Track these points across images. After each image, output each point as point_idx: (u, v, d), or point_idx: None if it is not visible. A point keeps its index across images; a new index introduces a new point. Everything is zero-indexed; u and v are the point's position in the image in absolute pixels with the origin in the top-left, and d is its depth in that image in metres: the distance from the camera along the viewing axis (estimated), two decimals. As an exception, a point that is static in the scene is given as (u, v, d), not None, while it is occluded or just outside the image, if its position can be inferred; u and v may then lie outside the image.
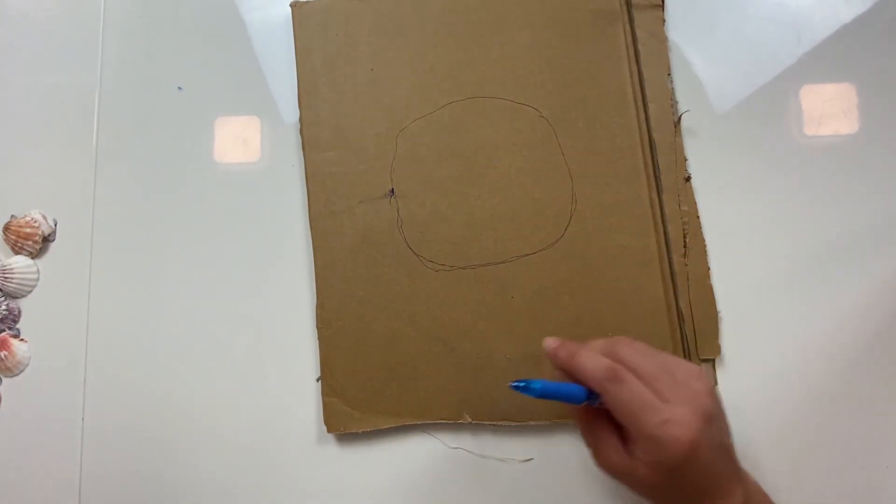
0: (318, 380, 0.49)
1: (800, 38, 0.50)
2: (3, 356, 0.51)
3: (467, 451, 0.47)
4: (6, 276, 0.51)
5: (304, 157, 0.51)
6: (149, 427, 0.50)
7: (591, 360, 0.36)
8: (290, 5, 0.53)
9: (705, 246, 0.47)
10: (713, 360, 0.46)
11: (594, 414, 0.37)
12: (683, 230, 0.47)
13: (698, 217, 0.48)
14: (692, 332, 0.46)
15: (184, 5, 0.55)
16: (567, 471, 0.47)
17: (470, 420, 0.47)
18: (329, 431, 0.47)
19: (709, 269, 0.47)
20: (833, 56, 0.49)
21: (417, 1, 0.51)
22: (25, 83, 0.55)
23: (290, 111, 0.53)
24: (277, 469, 0.49)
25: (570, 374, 0.37)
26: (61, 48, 0.56)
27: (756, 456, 0.45)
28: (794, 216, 0.48)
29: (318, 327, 0.49)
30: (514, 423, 0.46)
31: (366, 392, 0.47)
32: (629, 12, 0.50)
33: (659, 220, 0.47)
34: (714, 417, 0.35)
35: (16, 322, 0.52)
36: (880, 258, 0.47)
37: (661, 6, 0.50)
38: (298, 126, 0.52)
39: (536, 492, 0.47)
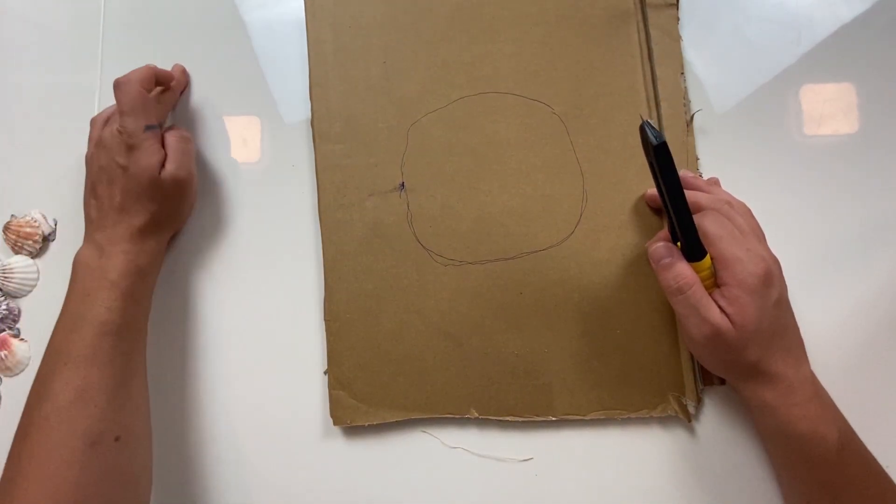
0: (325, 372, 0.49)
1: (800, 38, 0.50)
2: (3, 356, 0.51)
3: (467, 450, 0.47)
4: (6, 276, 0.51)
5: (315, 150, 0.50)
6: (154, 421, 0.50)
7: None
8: None
9: None
10: None
11: (700, 286, 0.40)
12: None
13: None
14: None
15: (184, 5, 0.55)
16: (567, 470, 0.47)
17: (476, 415, 0.47)
18: (335, 424, 0.47)
19: None
20: (833, 56, 0.49)
21: None
22: (25, 83, 0.55)
23: (290, 111, 0.53)
24: (283, 462, 0.48)
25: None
26: (61, 48, 0.56)
27: (758, 456, 0.45)
28: (794, 216, 0.48)
29: (325, 320, 0.49)
30: (520, 419, 0.46)
31: (373, 385, 0.47)
32: (643, 10, 0.50)
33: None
34: (781, 271, 0.41)
35: (16, 322, 0.52)
36: (880, 258, 0.47)
37: (676, 5, 0.50)
38: (299, 126, 0.52)
39: (536, 491, 0.47)
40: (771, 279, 0.39)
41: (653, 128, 0.36)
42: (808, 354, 0.42)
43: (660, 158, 0.36)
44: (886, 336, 0.46)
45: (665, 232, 0.44)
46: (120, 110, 0.46)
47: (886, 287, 0.47)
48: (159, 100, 0.49)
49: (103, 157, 0.46)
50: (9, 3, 0.57)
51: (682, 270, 0.40)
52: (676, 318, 0.42)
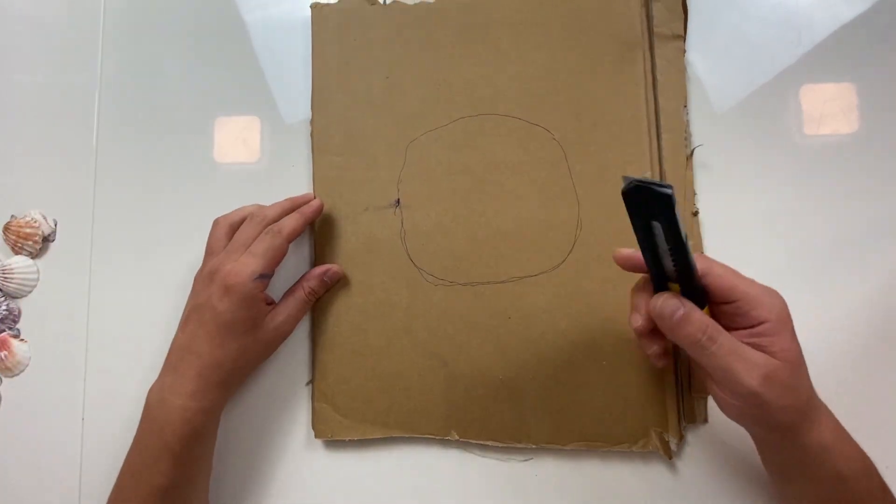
0: (307, 383, 0.49)
1: (800, 38, 0.50)
2: (3, 356, 0.51)
3: (466, 451, 0.47)
4: (6, 276, 0.51)
5: (313, 160, 0.50)
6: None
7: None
8: (311, 6, 0.52)
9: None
10: (706, 397, 0.46)
11: (731, 338, 0.36)
12: None
13: (703, 252, 0.47)
14: (687, 368, 0.45)
15: (184, 5, 0.55)
16: (566, 470, 0.47)
17: (457, 437, 0.46)
18: (317, 437, 0.48)
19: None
20: (833, 56, 0.49)
21: (438, 13, 0.51)
22: (25, 83, 0.55)
23: (290, 111, 0.53)
24: (263, 471, 0.49)
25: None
26: (61, 48, 0.56)
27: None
28: (794, 216, 0.48)
29: (312, 331, 0.49)
30: (500, 444, 0.46)
31: (356, 400, 0.47)
32: (650, 41, 0.49)
33: None
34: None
35: (16, 322, 0.52)
36: (880, 258, 0.47)
37: (683, 37, 0.49)
38: (299, 126, 0.52)
39: (536, 492, 0.47)
40: (800, 366, 0.36)
41: (655, 182, 0.32)
42: (807, 354, 0.42)
43: (667, 209, 0.32)
44: (886, 336, 0.46)
45: (645, 282, 0.39)
46: (236, 247, 0.44)
47: (887, 286, 0.47)
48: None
49: (202, 294, 0.43)
50: (8, 2, 0.57)
51: (703, 319, 0.36)
52: (707, 381, 0.37)
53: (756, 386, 0.34)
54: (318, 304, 0.49)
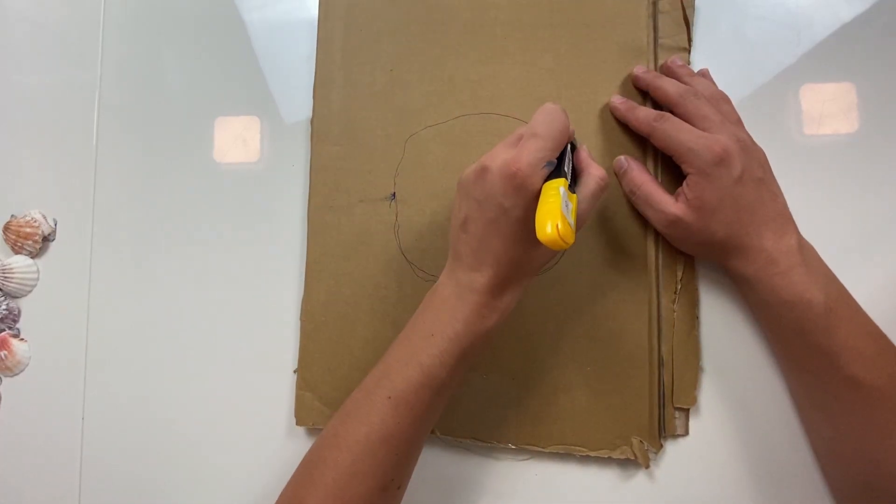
0: (295, 371, 0.49)
1: (800, 38, 0.50)
2: (3, 356, 0.51)
3: (463, 448, 0.47)
4: (6, 276, 0.51)
5: (311, 149, 0.50)
6: (148, 426, 0.50)
7: (644, 109, 0.46)
8: None
9: (698, 295, 0.46)
10: (687, 409, 0.45)
11: (650, 184, 0.44)
12: (678, 276, 0.46)
13: (694, 266, 0.46)
14: (670, 379, 0.45)
15: (184, 5, 0.55)
16: (564, 470, 0.47)
17: (438, 435, 0.46)
18: (298, 424, 0.48)
19: (697, 318, 0.46)
20: (833, 56, 0.49)
21: (446, 9, 0.51)
22: (25, 83, 0.55)
23: (290, 111, 0.53)
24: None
25: (626, 121, 0.46)
26: (61, 48, 0.56)
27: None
28: (793, 216, 0.48)
29: (301, 320, 0.49)
30: (480, 444, 0.46)
31: (339, 391, 0.47)
32: (655, 51, 0.48)
33: (654, 262, 0.46)
34: (749, 149, 0.42)
35: (16, 322, 0.52)
36: (881, 258, 0.47)
37: (688, 49, 0.49)
38: (299, 126, 0.52)
39: (534, 492, 0.47)
40: (727, 159, 0.40)
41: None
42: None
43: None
44: (888, 335, 0.46)
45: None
46: (533, 132, 0.37)
47: (887, 286, 0.47)
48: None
49: (478, 191, 0.37)
50: (9, 2, 0.57)
51: (634, 175, 0.45)
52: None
53: (662, 229, 0.44)
54: (309, 292, 0.49)
